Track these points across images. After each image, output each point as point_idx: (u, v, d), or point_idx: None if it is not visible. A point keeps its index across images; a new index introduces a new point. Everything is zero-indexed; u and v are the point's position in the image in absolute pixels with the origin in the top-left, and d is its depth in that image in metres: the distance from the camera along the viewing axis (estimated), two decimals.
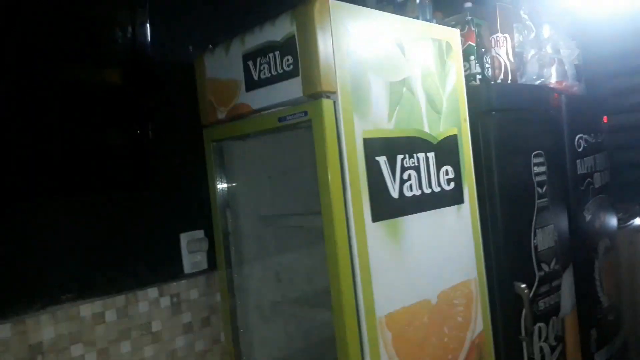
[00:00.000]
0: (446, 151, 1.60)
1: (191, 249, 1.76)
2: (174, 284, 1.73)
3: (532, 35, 2.07)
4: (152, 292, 1.67)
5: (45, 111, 1.43)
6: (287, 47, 1.33)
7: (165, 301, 1.70)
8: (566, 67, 2.19)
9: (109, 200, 1.59)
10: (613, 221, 2.52)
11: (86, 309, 1.50)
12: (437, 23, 1.92)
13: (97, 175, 1.56)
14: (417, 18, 1.93)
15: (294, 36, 1.30)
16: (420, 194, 1.49)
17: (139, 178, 1.64)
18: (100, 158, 1.56)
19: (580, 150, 2.18)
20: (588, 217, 2.22)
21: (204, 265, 1.81)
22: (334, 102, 1.27)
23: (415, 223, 1.47)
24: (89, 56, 1.53)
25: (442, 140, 1.59)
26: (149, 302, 1.66)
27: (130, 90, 1.61)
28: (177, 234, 1.76)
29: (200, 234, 1.81)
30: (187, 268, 1.77)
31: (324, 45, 1.25)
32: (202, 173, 1.74)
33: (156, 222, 1.70)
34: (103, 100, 1.56)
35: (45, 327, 1.41)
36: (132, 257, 1.63)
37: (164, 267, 1.72)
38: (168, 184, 1.73)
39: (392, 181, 1.40)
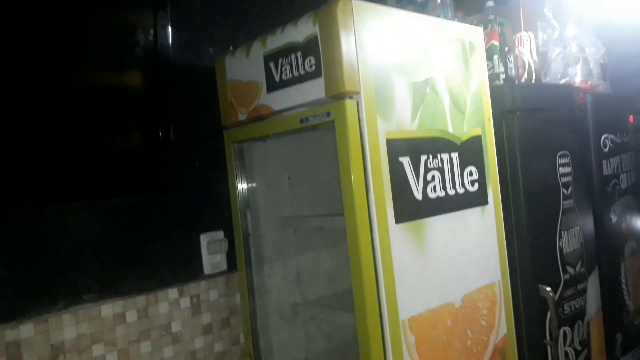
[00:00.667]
0: (470, 152, 1.57)
1: (211, 250, 1.76)
2: (194, 284, 1.73)
3: (556, 33, 2.03)
4: (173, 292, 1.67)
5: (69, 115, 1.44)
6: (310, 48, 1.31)
7: (185, 302, 1.70)
8: (591, 66, 2.14)
9: (130, 201, 1.59)
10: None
11: (107, 309, 1.51)
12: (458, 22, 1.90)
13: (120, 178, 1.57)
14: (438, 17, 1.91)
15: (316, 37, 1.29)
16: (444, 195, 1.46)
17: (160, 180, 1.64)
18: (123, 160, 1.56)
19: (606, 150, 2.13)
20: (614, 219, 2.17)
21: (224, 267, 1.81)
22: (357, 103, 1.26)
23: (439, 225, 1.44)
24: (112, 59, 1.54)
25: (466, 140, 1.56)
26: (169, 302, 1.66)
27: (152, 92, 1.62)
28: (197, 234, 1.76)
29: (220, 234, 1.80)
30: (207, 269, 1.77)
31: (347, 45, 1.24)
32: (223, 174, 1.73)
33: (177, 223, 1.70)
34: (125, 103, 1.56)
35: (67, 326, 1.42)
36: (152, 258, 1.64)
37: (184, 268, 1.72)
38: (189, 185, 1.74)
39: (416, 182, 1.38)
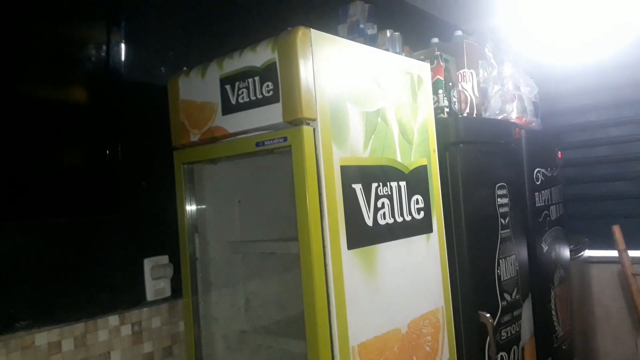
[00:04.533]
0: (417, 181, 1.63)
1: (155, 275, 1.70)
2: (136, 311, 1.66)
3: (495, 72, 2.17)
4: (113, 319, 1.59)
5: (6, 129, 1.36)
6: (268, 73, 1.33)
7: (126, 329, 1.62)
8: (525, 104, 2.30)
9: (71, 222, 1.52)
10: (566, 252, 2.63)
11: (42, 337, 1.41)
12: (407, 56, 1.98)
13: (61, 197, 1.49)
14: (387, 51, 1.99)
15: (275, 63, 1.31)
16: (393, 222, 1.50)
17: (104, 200, 1.58)
18: (65, 179, 1.49)
19: (538, 183, 2.27)
20: (545, 248, 2.30)
21: (168, 293, 1.75)
22: (314, 129, 1.28)
23: (388, 251, 1.48)
24: (62, 72, 1.48)
25: (413, 170, 1.62)
26: (109, 330, 1.58)
27: (101, 109, 1.56)
28: (141, 258, 1.69)
29: (165, 259, 1.75)
30: (150, 295, 1.70)
31: (305, 73, 1.27)
32: (171, 196, 1.69)
33: (119, 246, 1.63)
34: (71, 118, 1.50)
35: None
36: (92, 283, 1.55)
37: (126, 294, 1.64)
38: (134, 206, 1.68)
39: (367, 209, 1.41)
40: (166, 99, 1.67)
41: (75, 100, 1.53)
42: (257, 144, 1.36)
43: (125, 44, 1.62)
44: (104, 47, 1.55)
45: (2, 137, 1.35)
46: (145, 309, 1.68)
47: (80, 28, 1.52)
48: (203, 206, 1.70)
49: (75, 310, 1.50)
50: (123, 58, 1.61)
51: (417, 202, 1.62)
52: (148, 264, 1.70)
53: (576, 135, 3.40)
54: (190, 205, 1.67)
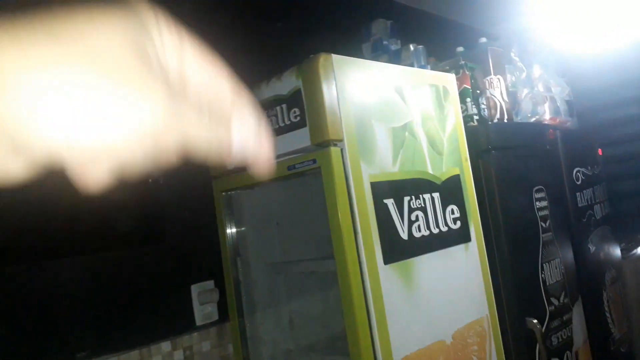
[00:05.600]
0: (450, 191, 1.63)
1: (202, 300, 1.77)
2: (187, 336, 1.72)
3: (524, 75, 2.15)
4: (165, 345, 1.66)
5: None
6: (294, 99, 1.38)
7: (178, 355, 1.69)
8: (558, 104, 2.26)
9: (121, 255, 1.61)
10: (617, 251, 2.54)
11: None
12: (431, 68, 2.01)
13: (109, 232, 1.58)
14: (412, 65, 2.01)
15: (299, 90, 1.36)
16: (429, 234, 1.51)
17: (151, 232, 1.66)
18: (113, 216, 1.58)
19: (578, 183, 2.22)
20: (592, 249, 2.24)
21: (215, 316, 1.81)
22: (342, 150, 1.32)
23: (426, 263, 1.49)
24: None
25: (446, 180, 1.63)
26: (162, 356, 1.65)
27: None
28: (188, 285, 1.77)
29: (210, 284, 1.81)
30: (199, 320, 1.77)
31: (329, 96, 1.31)
32: (212, 223, 1.76)
33: (167, 275, 1.71)
34: None
35: None
36: (144, 312, 1.64)
37: (176, 320, 1.72)
38: (178, 235, 1.76)
39: (401, 222, 1.43)
40: None
41: None
42: (289, 168, 1.41)
43: None
44: None
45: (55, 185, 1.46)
46: (195, 333, 1.75)
47: None
48: (243, 231, 1.77)
49: (130, 339, 1.58)
50: None
51: (453, 212, 1.63)
52: (195, 290, 1.77)
53: (618, 130, 3.30)
54: (231, 230, 1.73)
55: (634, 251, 2.97)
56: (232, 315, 1.72)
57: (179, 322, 1.72)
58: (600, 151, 2.56)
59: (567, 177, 2.17)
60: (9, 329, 1.35)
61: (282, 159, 1.47)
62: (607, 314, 2.27)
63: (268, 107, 1.46)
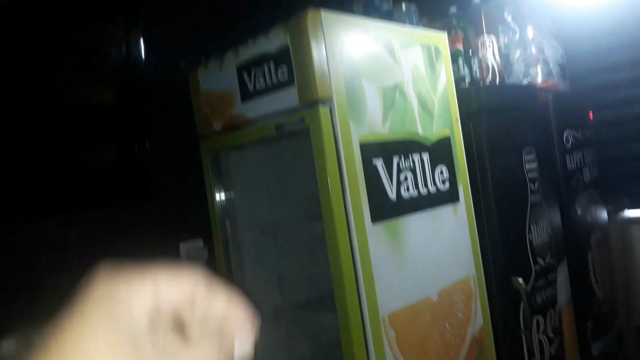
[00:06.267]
0: (440, 152, 1.63)
1: (191, 258, 1.78)
2: None
3: (517, 36, 2.12)
4: None
5: (44, 131, 1.45)
6: (282, 57, 1.36)
7: None
8: (551, 66, 2.24)
9: (109, 212, 1.61)
10: (603, 214, 2.57)
11: None
12: (423, 28, 1.97)
13: (98, 190, 1.58)
14: (404, 24, 1.97)
15: (287, 47, 1.34)
16: (417, 195, 1.52)
17: (138, 191, 1.66)
18: (100, 173, 1.57)
19: (568, 145, 2.23)
20: (579, 211, 2.26)
21: None
22: (330, 109, 1.31)
23: (414, 223, 1.50)
24: (86, 74, 1.55)
25: (436, 141, 1.62)
26: None
27: (126, 105, 1.64)
28: (177, 243, 1.78)
29: (199, 243, 1.83)
30: None
31: (318, 54, 1.29)
32: (201, 184, 1.76)
33: (156, 233, 1.72)
34: (101, 117, 1.58)
35: None
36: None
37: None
38: (167, 195, 1.76)
39: (390, 183, 1.44)
40: (189, 92, 1.72)
41: (100, 99, 1.61)
42: (277, 128, 1.40)
43: (143, 40, 1.68)
44: (124, 46, 1.62)
45: (41, 139, 1.44)
46: None
47: (100, 30, 1.59)
48: (232, 191, 1.77)
49: None
50: (143, 55, 1.67)
51: (442, 173, 1.63)
52: (184, 248, 1.78)
53: (610, 94, 3.28)
54: (219, 191, 1.73)
55: (620, 214, 3.01)
56: (221, 273, 1.74)
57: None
58: (591, 114, 2.56)
59: (558, 140, 2.17)
60: None
61: (269, 119, 1.45)
62: (592, 275, 2.31)
63: (255, 64, 1.44)
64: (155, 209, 1.72)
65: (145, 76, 1.70)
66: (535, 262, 1.91)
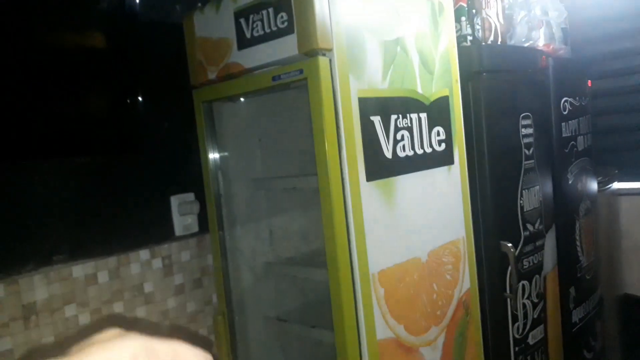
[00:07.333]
0: (438, 112, 1.60)
1: (182, 211, 1.76)
2: (165, 246, 1.73)
3: None
4: (144, 254, 1.67)
5: (33, 75, 1.39)
6: (282, 3, 1.30)
7: (156, 263, 1.71)
8: (554, 30, 2.20)
9: (99, 161, 1.57)
10: (594, 184, 2.58)
11: (78, 270, 1.50)
12: None
13: (88, 137, 1.53)
14: None
15: None
16: (413, 154, 1.50)
17: (128, 140, 1.62)
18: (90, 120, 1.53)
19: (565, 113, 2.21)
20: (571, 180, 2.27)
21: (195, 228, 1.82)
22: (330, 60, 1.26)
23: (408, 183, 1.48)
24: (74, 18, 1.48)
25: (435, 101, 1.59)
26: (141, 263, 1.66)
27: (118, 51, 1.57)
28: (167, 196, 1.75)
29: (191, 196, 1.80)
30: (178, 230, 1.78)
31: (320, 2, 1.23)
32: (193, 136, 1.72)
33: (147, 184, 1.69)
34: (92, 62, 1.52)
35: (39, 287, 1.41)
36: (123, 219, 1.63)
37: (155, 230, 1.72)
38: (158, 146, 1.72)
39: (386, 141, 1.41)
40: (183, 38, 1.66)
41: (91, 43, 1.54)
42: (274, 78, 1.36)
43: None
44: None
45: (30, 83, 1.39)
46: (175, 243, 1.76)
47: None
48: (225, 144, 1.73)
49: (108, 245, 1.58)
50: None
51: (438, 134, 1.61)
52: (175, 200, 1.76)
53: (610, 64, 3.24)
54: (212, 143, 1.69)
55: (609, 186, 3.03)
56: (212, 227, 1.72)
57: (158, 231, 1.72)
58: (590, 83, 2.53)
59: (555, 106, 2.15)
60: None
61: (266, 69, 1.41)
62: (578, 243, 2.34)
63: (254, 10, 1.38)
64: (146, 159, 1.68)
65: (139, 20, 1.63)
66: (525, 229, 1.92)
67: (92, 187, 1.55)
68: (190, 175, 1.77)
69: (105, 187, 1.59)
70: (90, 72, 1.53)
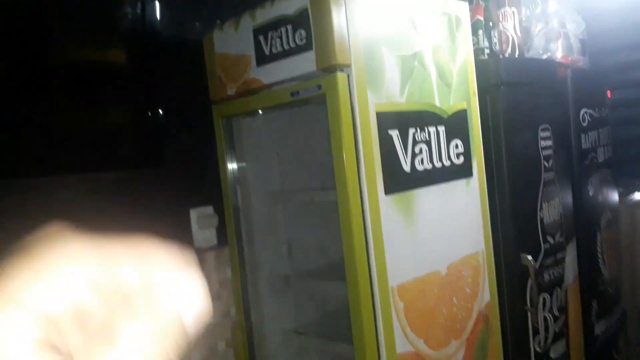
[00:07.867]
0: (456, 125, 1.61)
1: (201, 224, 1.78)
2: None
3: (539, 9, 2.06)
4: None
5: (57, 92, 1.43)
6: (300, 20, 1.32)
7: None
8: (572, 42, 2.19)
9: (120, 175, 1.60)
10: (615, 195, 2.55)
11: None
12: None
13: (109, 152, 1.56)
14: None
15: (307, 10, 1.30)
16: (431, 168, 1.50)
17: (150, 155, 1.65)
18: (112, 135, 1.56)
19: (584, 124, 2.19)
20: (591, 191, 2.24)
21: (214, 241, 1.83)
22: (348, 76, 1.28)
23: (426, 196, 1.48)
24: (98, 35, 1.52)
25: (452, 114, 1.59)
26: None
27: (139, 67, 1.61)
28: (187, 209, 1.77)
29: (210, 210, 1.82)
30: (198, 243, 1.79)
31: (338, 18, 1.25)
32: (212, 150, 1.74)
33: (166, 198, 1.71)
34: (113, 80, 1.56)
35: None
36: (142, 231, 1.64)
37: (174, 242, 1.73)
38: (178, 160, 1.74)
39: (404, 155, 1.41)
40: (203, 54, 1.69)
41: (113, 61, 1.58)
42: (292, 94, 1.38)
43: (159, 1, 1.64)
44: (139, 6, 1.58)
45: (53, 99, 1.43)
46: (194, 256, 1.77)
47: None
48: (243, 158, 1.75)
49: None
50: (158, 16, 1.64)
51: (457, 147, 1.61)
52: (194, 214, 1.78)
53: (629, 74, 3.21)
54: (231, 157, 1.71)
55: (631, 196, 2.98)
56: (231, 240, 1.74)
57: (177, 244, 1.73)
58: (609, 93, 2.51)
59: (574, 118, 2.14)
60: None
61: (285, 84, 1.43)
62: (599, 255, 2.30)
63: (272, 28, 1.40)
64: (166, 173, 1.71)
65: (160, 37, 1.67)
66: (545, 241, 1.90)
67: (111, 200, 1.58)
68: (209, 188, 1.79)
69: (125, 200, 1.61)
70: (113, 88, 1.56)
